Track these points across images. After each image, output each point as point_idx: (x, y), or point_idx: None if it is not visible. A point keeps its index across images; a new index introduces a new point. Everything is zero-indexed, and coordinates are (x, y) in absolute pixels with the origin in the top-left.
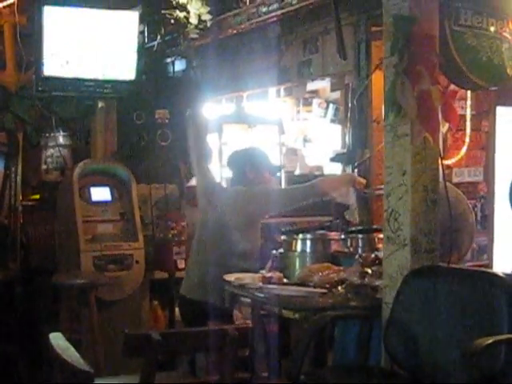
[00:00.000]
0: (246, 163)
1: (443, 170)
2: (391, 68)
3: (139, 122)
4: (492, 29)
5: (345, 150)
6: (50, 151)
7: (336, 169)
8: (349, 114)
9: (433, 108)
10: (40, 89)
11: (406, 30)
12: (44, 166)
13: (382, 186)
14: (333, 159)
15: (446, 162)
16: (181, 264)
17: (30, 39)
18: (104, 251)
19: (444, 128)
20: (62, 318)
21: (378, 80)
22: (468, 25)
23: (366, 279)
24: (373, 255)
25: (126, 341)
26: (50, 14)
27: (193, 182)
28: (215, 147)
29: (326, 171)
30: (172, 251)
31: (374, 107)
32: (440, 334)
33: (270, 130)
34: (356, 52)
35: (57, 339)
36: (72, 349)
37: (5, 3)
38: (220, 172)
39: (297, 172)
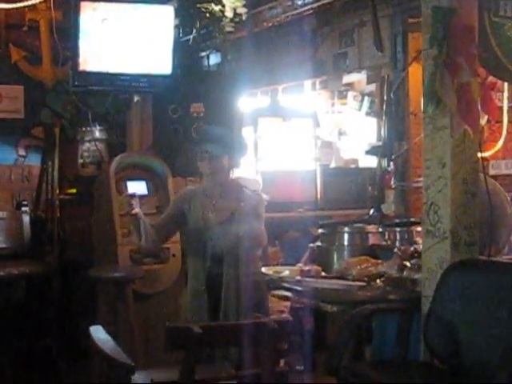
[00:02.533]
0: (230, 150)
1: (482, 163)
2: (430, 60)
3: (175, 115)
4: None
5: (380, 143)
6: (87, 145)
7: (371, 161)
8: (384, 107)
9: (472, 100)
10: (76, 83)
11: (445, 21)
12: (80, 160)
13: (420, 179)
14: (368, 152)
15: (483, 155)
16: None
17: (66, 34)
18: None
19: (483, 120)
20: (99, 311)
21: (415, 72)
22: (508, 16)
23: (405, 272)
24: (412, 248)
25: (167, 334)
26: (85, 8)
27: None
28: (250, 140)
29: (362, 164)
30: None
31: (411, 99)
32: (480, 328)
33: (305, 123)
34: (392, 44)
35: (97, 332)
36: (112, 342)
37: None
38: (255, 166)
39: (332, 165)
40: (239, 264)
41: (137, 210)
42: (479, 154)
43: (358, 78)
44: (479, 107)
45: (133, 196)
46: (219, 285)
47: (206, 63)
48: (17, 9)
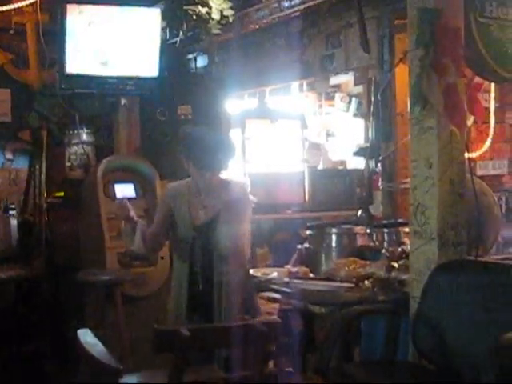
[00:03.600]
0: (181, 147)
1: (469, 164)
2: (417, 61)
3: (162, 118)
4: None
5: (368, 144)
6: (74, 148)
7: (359, 163)
8: (372, 108)
9: (459, 101)
10: (63, 86)
11: (431, 22)
12: (68, 164)
13: (407, 180)
14: (356, 153)
15: (470, 155)
16: None
17: (52, 37)
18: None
19: (469, 121)
20: (87, 315)
21: (401, 73)
22: (493, 17)
23: (393, 273)
24: (399, 249)
25: (156, 336)
26: (72, 11)
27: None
28: (238, 142)
29: (350, 165)
30: None
31: (397, 100)
32: (468, 328)
33: (293, 124)
34: (379, 45)
35: (85, 335)
36: (100, 345)
37: (27, 2)
38: (243, 168)
39: (320, 167)
40: (229, 264)
41: (133, 212)
42: (466, 155)
43: (346, 79)
44: (465, 108)
45: (123, 199)
46: (210, 289)
47: (193, 65)
48: (3, 12)
